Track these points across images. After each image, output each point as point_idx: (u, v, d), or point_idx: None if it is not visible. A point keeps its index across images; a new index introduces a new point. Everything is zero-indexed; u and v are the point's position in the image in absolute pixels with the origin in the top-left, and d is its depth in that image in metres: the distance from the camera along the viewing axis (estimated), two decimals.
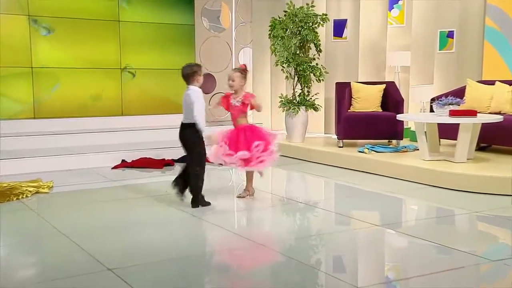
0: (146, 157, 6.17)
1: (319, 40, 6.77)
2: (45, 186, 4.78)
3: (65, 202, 4.43)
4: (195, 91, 3.98)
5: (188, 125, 3.98)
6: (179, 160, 6.11)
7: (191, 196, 4.10)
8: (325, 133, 7.77)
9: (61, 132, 6.65)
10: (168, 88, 8.00)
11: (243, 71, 4.28)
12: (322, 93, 7.51)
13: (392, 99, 6.44)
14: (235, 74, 4.26)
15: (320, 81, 6.83)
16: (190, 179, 4.06)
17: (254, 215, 4.09)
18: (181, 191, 4.15)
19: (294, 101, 6.89)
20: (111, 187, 5.06)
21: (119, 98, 7.67)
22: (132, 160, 6.10)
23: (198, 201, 4.08)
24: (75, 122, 7.07)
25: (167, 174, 5.70)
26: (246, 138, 4.13)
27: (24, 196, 4.51)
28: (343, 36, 7.47)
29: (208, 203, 4.11)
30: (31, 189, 4.65)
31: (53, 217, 3.92)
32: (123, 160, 6.12)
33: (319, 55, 6.85)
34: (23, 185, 4.73)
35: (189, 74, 3.99)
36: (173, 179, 4.19)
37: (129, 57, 7.69)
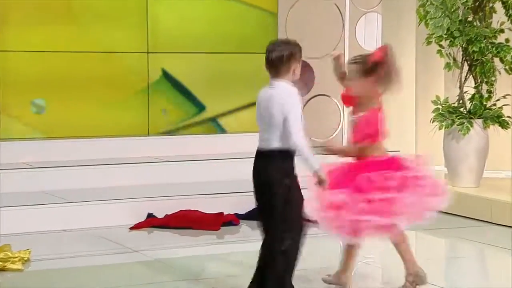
0: (190, 210, 6.23)
1: None
2: (17, 259, 4.86)
3: None
4: (287, 90, 3.92)
5: (270, 155, 3.94)
6: (249, 216, 6.10)
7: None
8: None
9: (43, 164, 6.85)
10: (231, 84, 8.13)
11: (367, 61, 4.17)
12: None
13: None
14: (350, 67, 4.24)
15: None
16: (270, 259, 3.95)
17: None
18: None
19: (461, 109, 6.78)
20: (128, 264, 5.11)
21: (145, 106, 7.86)
22: (166, 215, 6.18)
23: None
24: (67, 146, 7.28)
25: (228, 240, 5.73)
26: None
27: None
28: None
29: None
30: None
31: None
32: (150, 215, 6.21)
33: (511, 22, 6.70)
34: None
35: (282, 58, 3.93)
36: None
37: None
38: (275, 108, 3.88)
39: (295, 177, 3.93)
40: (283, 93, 3.90)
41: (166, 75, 7.99)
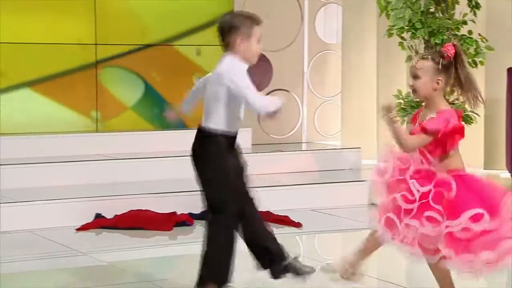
0: (141, 210, 6.21)
1: None
2: None
3: None
4: (223, 65, 3.98)
5: (208, 136, 4.05)
6: (203, 216, 6.05)
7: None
8: (485, 168, 7.67)
9: None
10: (180, 81, 8.11)
11: (442, 57, 3.98)
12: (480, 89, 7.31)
13: None
14: (419, 64, 4.00)
15: (476, 65, 6.72)
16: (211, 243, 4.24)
17: None
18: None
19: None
20: (75, 268, 5.07)
21: (93, 98, 7.83)
22: (115, 216, 6.16)
23: None
24: (9, 143, 7.20)
25: (181, 241, 5.71)
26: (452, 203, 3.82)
27: None
28: None
29: None
30: None
31: None
32: (98, 215, 6.18)
33: (474, 14, 6.76)
34: None
35: (222, 29, 4.02)
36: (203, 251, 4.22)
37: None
38: (218, 82, 4.00)
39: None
40: (218, 67, 4.00)
41: (115, 68, 7.98)
